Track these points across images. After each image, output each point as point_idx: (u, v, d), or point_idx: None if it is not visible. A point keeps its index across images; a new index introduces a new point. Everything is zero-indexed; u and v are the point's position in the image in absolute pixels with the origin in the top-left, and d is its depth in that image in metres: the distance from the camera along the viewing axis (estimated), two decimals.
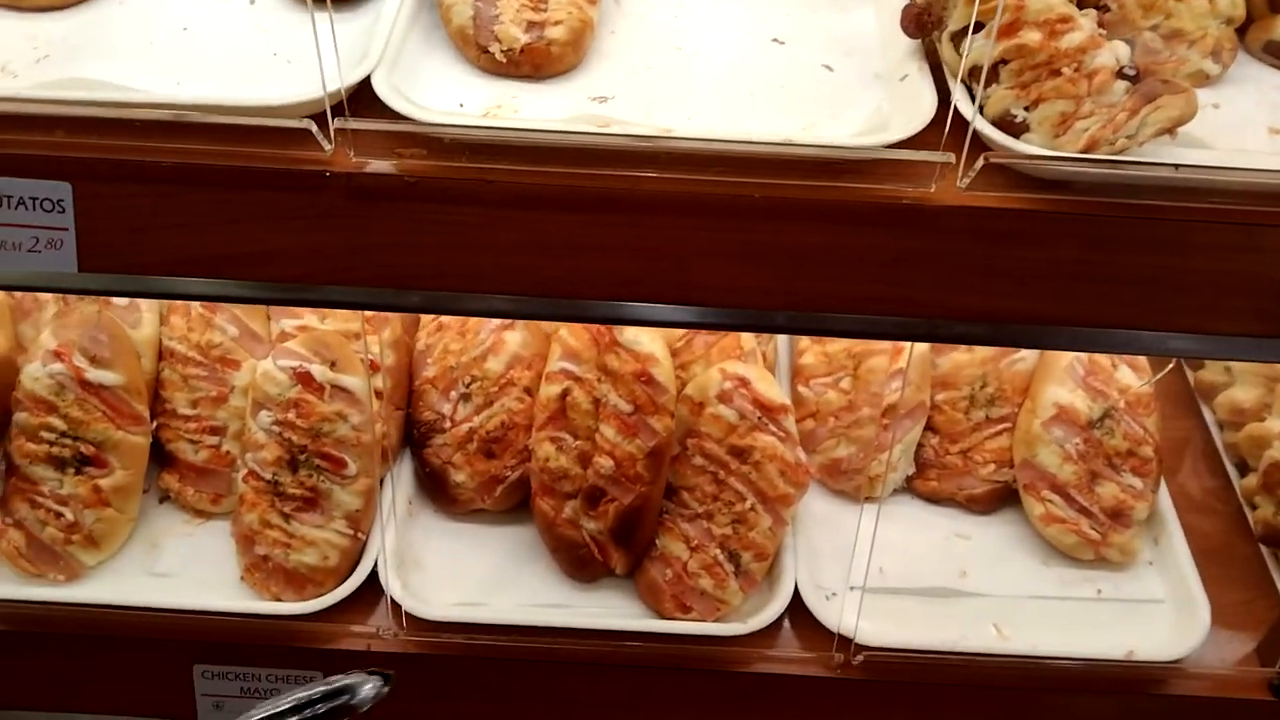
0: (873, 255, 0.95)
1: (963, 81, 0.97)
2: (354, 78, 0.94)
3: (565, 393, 1.31)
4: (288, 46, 1.03)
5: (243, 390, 1.36)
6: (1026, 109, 0.96)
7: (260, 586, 1.28)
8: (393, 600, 1.25)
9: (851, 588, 1.31)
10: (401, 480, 1.39)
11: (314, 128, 0.89)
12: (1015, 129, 0.96)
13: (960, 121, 0.94)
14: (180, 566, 1.32)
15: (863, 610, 1.23)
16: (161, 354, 1.39)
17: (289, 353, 1.31)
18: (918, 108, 0.98)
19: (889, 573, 1.36)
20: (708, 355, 1.39)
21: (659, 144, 0.90)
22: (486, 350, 1.38)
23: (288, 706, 1.01)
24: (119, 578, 1.30)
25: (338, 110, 0.92)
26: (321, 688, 1.02)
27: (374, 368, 1.36)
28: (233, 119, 0.91)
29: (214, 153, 0.92)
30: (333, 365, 1.31)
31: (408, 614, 1.24)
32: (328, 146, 0.91)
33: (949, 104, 0.97)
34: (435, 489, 1.39)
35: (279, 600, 1.27)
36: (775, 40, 1.11)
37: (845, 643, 1.25)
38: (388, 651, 1.24)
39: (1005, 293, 0.97)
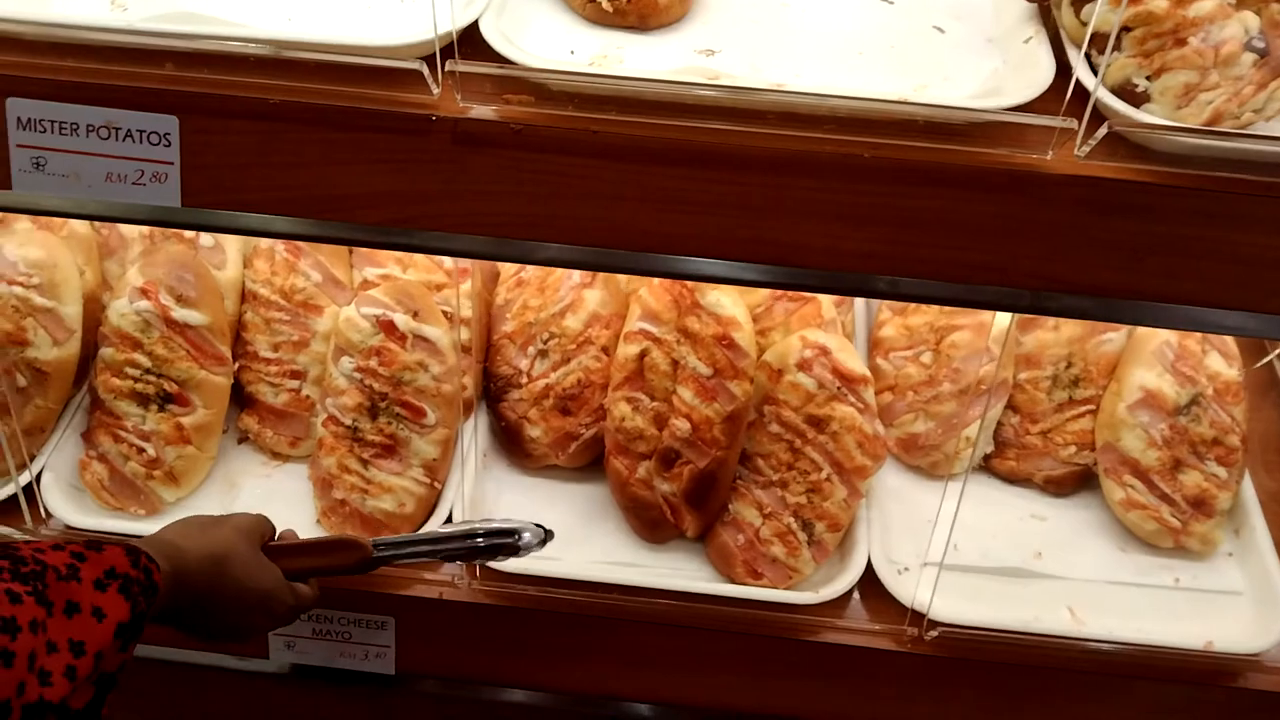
0: (981, 222, 0.92)
1: (1079, 47, 0.94)
2: (463, 20, 0.93)
3: (643, 353, 1.31)
4: None
5: (324, 336, 1.37)
6: (1149, 78, 0.93)
7: (336, 530, 1.29)
8: None
9: (926, 564, 1.29)
10: (476, 433, 1.39)
11: (425, 69, 0.88)
12: (1135, 99, 0.93)
13: (1079, 89, 0.91)
14: (257, 506, 1.32)
15: (937, 586, 1.22)
16: (244, 296, 1.40)
17: (373, 300, 1.31)
18: (1034, 74, 0.95)
19: (963, 550, 1.34)
20: (787, 323, 1.38)
21: (771, 99, 0.89)
22: (565, 307, 1.37)
23: (457, 532, 1.07)
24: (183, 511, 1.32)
25: (447, 53, 0.91)
26: (492, 524, 1.07)
27: (453, 320, 1.36)
28: (341, 58, 0.90)
29: (321, 91, 0.92)
30: (415, 315, 1.31)
31: (480, 564, 1.24)
32: (435, 90, 0.91)
33: (1064, 72, 0.94)
34: (509, 443, 1.39)
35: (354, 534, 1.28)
36: None
37: (918, 618, 1.23)
38: (461, 601, 1.25)
39: (1114, 266, 0.94)
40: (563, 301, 1.38)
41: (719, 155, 0.91)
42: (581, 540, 1.32)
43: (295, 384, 1.37)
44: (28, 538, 0.80)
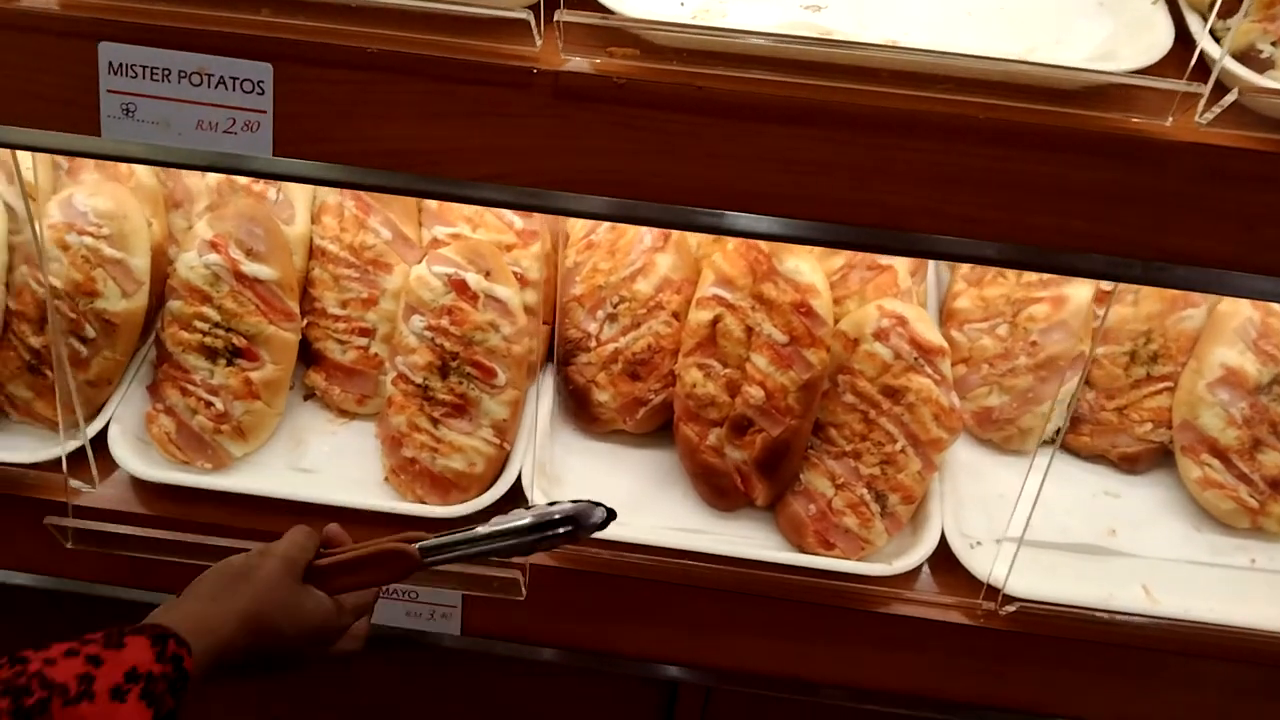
0: (1095, 189, 0.90)
1: (1198, 12, 0.91)
2: None
3: (716, 319, 1.29)
4: None
5: (393, 294, 1.35)
6: (1274, 44, 0.90)
7: (405, 488, 1.28)
8: None
9: (999, 540, 1.28)
10: (544, 396, 1.38)
11: (532, 19, 0.86)
12: (1259, 65, 0.90)
13: (1195, 56, 0.88)
14: (324, 463, 1.33)
15: (1014, 562, 1.20)
16: (312, 252, 1.38)
17: (444, 259, 1.30)
18: (1151, 38, 0.92)
19: (1036, 525, 1.31)
20: (863, 291, 1.35)
21: (886, 55, 0.86)
22: (636, 271, 1.35)
23: (511, 527, 0.96)
24: (264, 470, 1.32)
25: (548, 6, 0.89)
26: (549, 514, 0.96)
27: (522, 282, 1.35)
28: (443, 6, 0.88)
29: (419, 41, 0.90)
30: (487, 274, 1.29)
31: None
32: (538, 41, 0.88)
33: (1179, 38, 0.91)
34: (577, 407, 1.38)
35: (423, 503, 1.27)
36: None
37: (993, 592, 1.22)
38: (531, 563, 1.24)
39: (1228, 238, 0.91)
40: (633, 265, 1.36)
41: (827, 113, 0.88)
42: (649, 506, 1.31)
43: (364, 341, 1.36)
44: (40, 650, 0.75)
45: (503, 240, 1.37)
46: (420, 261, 1.32)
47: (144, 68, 0.91)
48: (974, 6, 0.98)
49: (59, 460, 1.26)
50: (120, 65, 0.92)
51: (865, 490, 1.26)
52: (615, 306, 1.35)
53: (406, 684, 1.49)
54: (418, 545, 0.97)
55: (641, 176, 0.92)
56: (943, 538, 1.27)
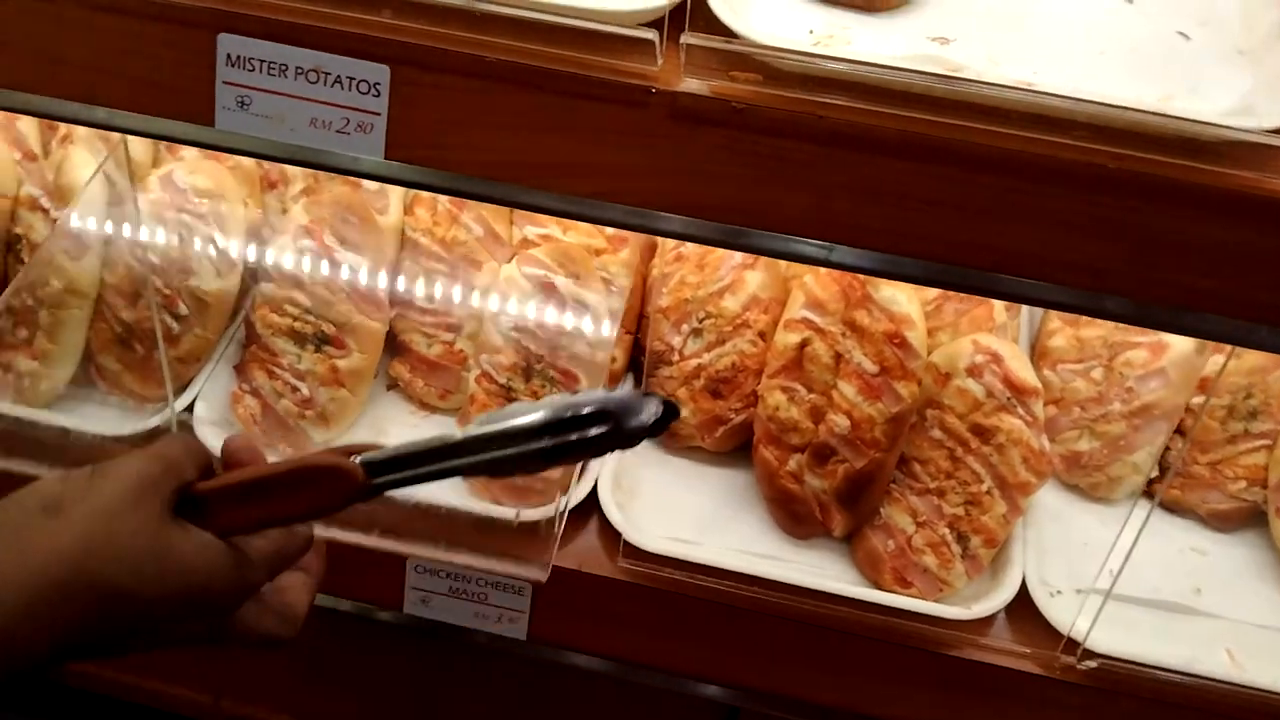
0: (1225, 248, 0.86)
1: None
2: None
3: (804, 343, 1.26)
4: None
5: (482, 291, 1.35)
6: None
7: (481, 488, 1.28)
8: (610, 524, 1.24)
9: (1080, 591, 1.24)
10: None
11: (656, 38, 0.84)
12: None
13: None
14: None
15: (1099, 616, 1.17)
16: (403, 244, 1.39)
17: (535, 260, 1.29)
18: None
19: (1115, 576, 1.28)
20: (956, 323, 1.32)
21: (1020, 97, 0.83)
22: (725, 287, 1.33)
23: (535, 422, 0.62)
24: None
25: (673, 23, 0.87)
26: (594, 398, 0.62)
27: (610, 288, 1.33)
28: (565, 20, 0.87)
29: (538, 54, 0.88)
30: (577, 279, 1.28)
31: (624, 541, 1.22)
32: (659, 61, 0.87)
33: None
34: None
35: (498, 504, 1.27)
36: None
37: (1072, 645, 1.18)
38: (600, 575, 1.23)
39: None
40: (722, 281, 1.34)
41: (950, 152, 0.85)
42: (722, 527, 1.30)
43: (450, 336, 1.36)
44: None
45: (592, 244, 1.36)
46: (510, 260, 1.32)
47: (261, 62, 0.91)
48: (1106, 46, 0.95)
49: (143, 435, 1.28)
50: (238, 58, 0.92)
51: (947, 530, 1.23)
52: (701, 321, 1.34)
53: (462, 684, 1.50)
54: (360, 459, 0.65)
55: (752, 203, 0.90)
56: (1022, 584, 1.24)
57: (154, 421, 1.29)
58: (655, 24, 0.87)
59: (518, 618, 1.29)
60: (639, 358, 1.39)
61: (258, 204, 1.41)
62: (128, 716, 1.93)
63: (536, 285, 1.28)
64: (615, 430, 0.62)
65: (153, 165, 1.38)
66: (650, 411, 0.62)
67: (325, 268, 1.30)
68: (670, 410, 0.63)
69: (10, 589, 0.52)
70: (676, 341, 1.35)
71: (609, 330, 1.30)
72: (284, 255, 1.30)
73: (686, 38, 0.83)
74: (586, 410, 0.61)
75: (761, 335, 1.32)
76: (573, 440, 0.62)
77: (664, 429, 0.63)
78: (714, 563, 1.22)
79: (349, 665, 1.52)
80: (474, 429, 0.64)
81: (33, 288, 1.29)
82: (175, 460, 0.63)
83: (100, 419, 1.32)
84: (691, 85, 0.87)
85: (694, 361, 1.33)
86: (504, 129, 0.91)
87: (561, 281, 1.28)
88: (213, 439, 1.29)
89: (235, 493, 0.64)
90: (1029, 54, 0.93)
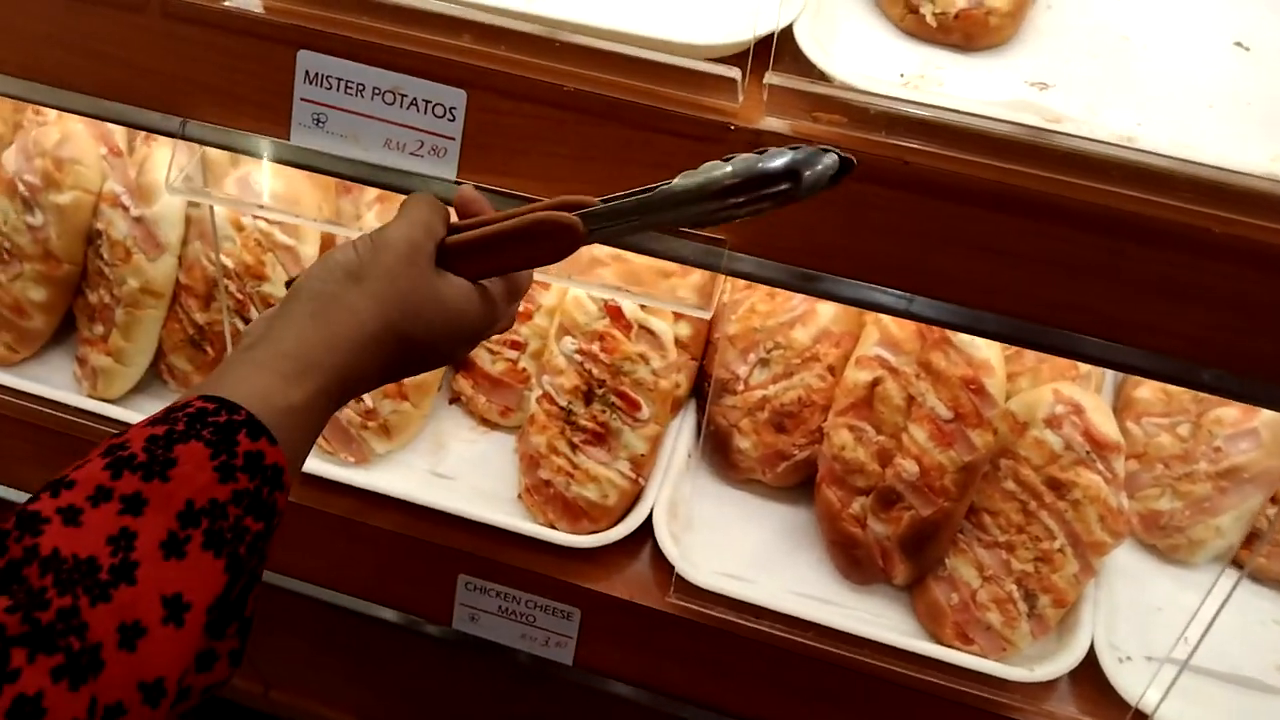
0: None
1: None
2: (777, 23, 0.86)
3: (876, 382, 1.22)
4: None
5: (548, 310, 1.33)
6: None
7: (537, 509, 1.27)
8: (663, 554, 1.22)
9: (1151, 657, 1.18)
10: (683, 433, 1.34)
11: (739, 76, 0.81)
12: None
13: None
14: (462, 471, 1.33)
15: (1171, 688, 1.11)
16: None
17: (604, 282, 1.27)
18: None
19: (1191, 645, 1.22)
20: (1037, 370, 1.27)
21: (1117, 154, 0.78)
22: (795, 318, 1.30)
23: (727, 178, 0.69)
24: (404, 471, 1.32)
25: (758, 57, 0.84)
26: (779, 157, 0.69)
27: (677, 314, 1.31)
28: (643, 52, 0.84)
29: (617, 85, 0.86)
30: (644, 304, 1.26)
31: (677, 575, 1.20)
32: (740, 98, 0.84)
33: None
34: (715, 450, 1.34)
35: (552, 527, 1.26)
36: (1238, 44, 0.95)
37: (1140, 716, 1.13)
38: (651, 607, 1.21)
39: None
40: (793, 311, 1.30)
41: (1044, 205, 0.81)
42: (778, 566, 1.26)
43: (514, 354, 1.35)
44: (54, 496, 0.55)
45: (661, 266, 1.33)
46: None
47: (339, 80, 0.91)
48: (1216, 98, 0.89)
49: None
50: (317, 75, 0.91)
51: (1014, 587, 1.18)
52: (769, 352, 1.30)
53: (502, 700, 1.49)
54: (579, 214, 0.74)
55: (829, 248, 0.87)
56: (1090, 648, 1.18)
57: None
58: (738, 58, 0.85)
59: (565, 642, 1.27)
60: (703, 384, 1.36)
61: (332, 209, 1.42)
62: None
63: (603, 308, 1.26)
64: (796, 186, 0.69)
65: (231, 166, 1.39)
66: (828, 165, 0.69)
67: None
68: (847, 164, 0.70)
69: (345, 342, 0.68)
70: (742, 371, 1.32)
71: (674, 357, 1.27)
72: None
73: (770, 77, 0.81)
74: (774, 169, 0.69)
75: (831, 370, 1.28)
76: (760, 195, 0.70)
77: (838, 182, 0.70)
78: (768, 604, 1.19)
79: (395, 671, 1.52)
80: (677, 185, 0.72)
81: (111, 286, 1.31)
82: (428, 222, 0.76)
83: None
84: (772, 124, 0.84)
85: (759, 393, 1.30)
86: (577, 159, 0.89)
87: (629, 306, 1.25)
88: None
89: (477, 245, 0.76)
90: (1134, 102, 0.88)
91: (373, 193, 1.43)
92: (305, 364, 0.66)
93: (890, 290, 0.87)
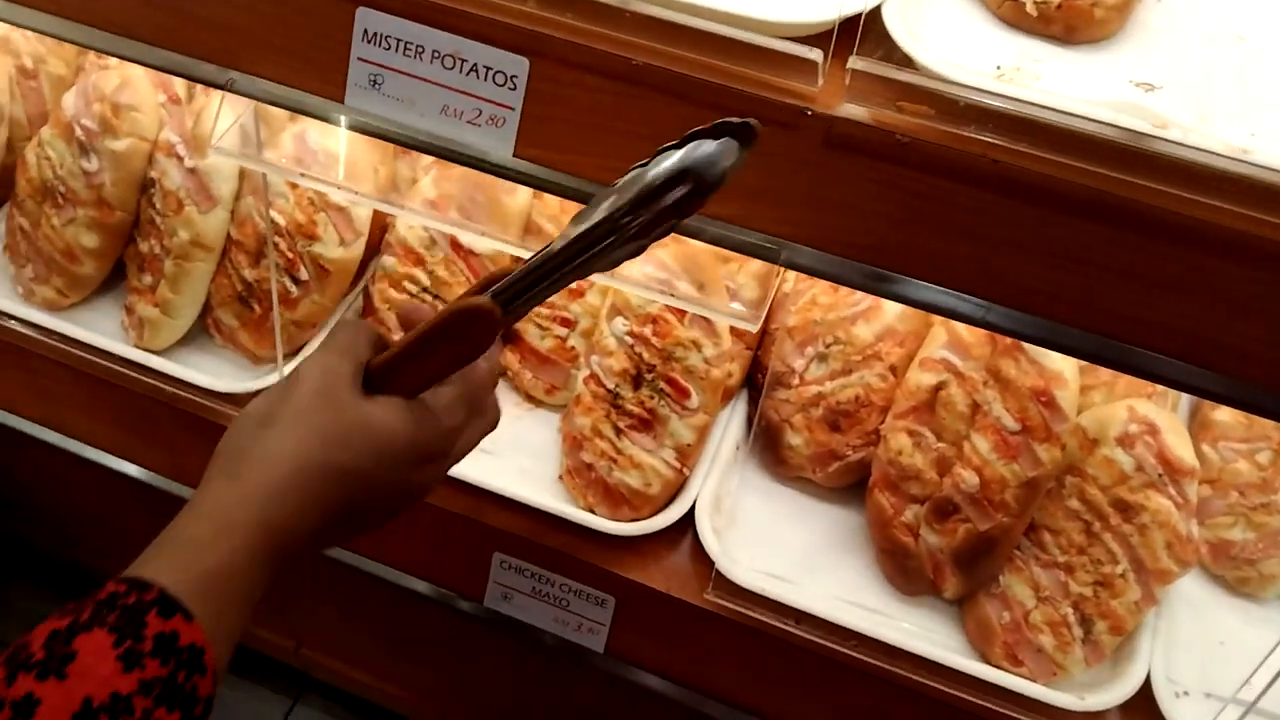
0: None
1: None
2: (861, 5, 0.80)
3: (940, 385, 1.16)
4: None
5: (600, 289, 1.29)
6: None
7: (577, 492, 1.24)
8: (704, 550, 1.18)
9: (1210, 694, 1.12)
10: (732, 424, 1.30)
11: (821, 59, 0.76)
12: None
13: None
14: (504, 448, 1.29)
15: None
16: (528, 227, 1.34)
17: (659, 262, 1.22)
18: None
19: (1256, 687, 1.15)
20: (1112, 385, 1.20)
21: (1232, 168, 0.71)
22: (858, 314, 1.24)
23: (625, 202, 0.65)
24: None
25: (840, 40, 0.78)
26: (667, 165, 0.64)
27: (733, 299, 1.26)
28: (723, 28, 0.79)
29: (686, 60, 0.81)
30: (700, 288, 1.21)
31: (717, 572, 1.16)
32: (819, 81, 0.78)
33: None
34: (765, 443, 1.29)
35: (592, 512, 1.22)
36: None
37: None
38: (688, 602, 1.17)
39: None
40: (856, 306, 1.24)
41: (1142, 216, 0.75)
42: (823, 570, 1.22)
43: (563, 331, 1.31)
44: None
45: (720, 250, 1.28)
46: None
47: (398, 41, 0.87)
48: None
49: (247, 395, 1.27)
50: (375, 35, 0.87)
51: (1070, 610, 1.13)
52: (828, 347, 1.25)
53: (528, 680, 1.47)
54: (490, 294, 0.68)
55: (902, 246, 0.81)
56: (1146, 679, 1.12)
57: (262, 383, 1.28)
58: (819, 39, 0.79)
59: (597, 629, 1.24)
60: (756, 375, 1.32)
61: (390, 171, 1.38)
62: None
63: (657, 289, 1.21)
64: (698, 185, 0.64)
65: (290, 121, 1.36)
66: (730, 156, 0.64)
67: (448, 247, 1.26)
68: (749, 131, 0.64)
69: (259, 492, 0.62)
70: (798, 364, 1.27)
71: (728, 346, 1.22)
72: (409, 231, 1.27)
73: (854, 62, 0.75)
74: (661, 181, 0.64)
75: (892, 370, 1.22)
76: (661, 209, 0.65)
77: (744, 162, 0.64)
78: (810, 608, 1.14)
79: (422, 641, 1.51)
80: (567, 232, 0.67)
81: (161, 236, 1.29)
82: (349, 345, 0.70)
83: (210, 370, 1.32)
84: (852, 111, 0.79)
85: (815, 388, 1.25)
86: (640, 137, 0.84)
87: (684, 289, 1.21)
88: None
89: (401, 358, 0.70)
90: (1247, 109, 0.81)
91: (429, 157, 1.40)
92: (220, 524, 0.61)
93: (966, 296, 0.81)
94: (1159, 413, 1.13)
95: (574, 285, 1.30)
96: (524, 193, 1.33)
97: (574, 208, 1.32)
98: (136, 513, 1.67)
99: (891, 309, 1.24)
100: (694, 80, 0.81)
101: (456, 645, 1.44)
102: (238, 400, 1.28)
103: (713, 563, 1.17)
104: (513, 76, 0.85)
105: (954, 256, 0.80)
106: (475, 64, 0.85)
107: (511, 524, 1.23)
